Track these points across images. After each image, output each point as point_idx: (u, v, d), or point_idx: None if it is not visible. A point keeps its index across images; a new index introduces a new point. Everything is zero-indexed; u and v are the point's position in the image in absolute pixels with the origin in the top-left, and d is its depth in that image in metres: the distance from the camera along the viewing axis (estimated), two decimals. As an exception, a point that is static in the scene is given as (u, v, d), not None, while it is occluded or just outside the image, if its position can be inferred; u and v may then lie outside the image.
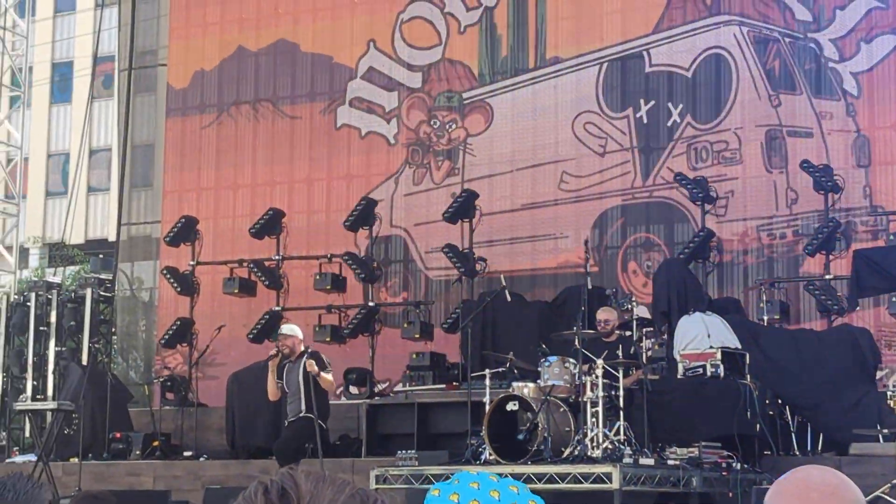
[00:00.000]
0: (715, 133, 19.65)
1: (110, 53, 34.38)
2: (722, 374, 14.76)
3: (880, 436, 14.50)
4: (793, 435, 15.56)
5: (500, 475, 2.78)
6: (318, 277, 20.51)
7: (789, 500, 2.49)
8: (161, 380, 20.19)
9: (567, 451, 13.53)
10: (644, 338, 15.91)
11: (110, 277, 22.70)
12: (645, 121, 20.14)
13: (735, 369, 14.92)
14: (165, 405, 19.89)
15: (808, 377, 15.87)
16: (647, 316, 16.82)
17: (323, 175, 22.10)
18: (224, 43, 23.17)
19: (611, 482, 12.80)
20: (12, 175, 25.29)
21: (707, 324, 15.68)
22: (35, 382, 21.53)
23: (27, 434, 21.53)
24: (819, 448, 15.63)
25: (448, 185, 20.99)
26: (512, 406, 13.88)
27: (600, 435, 13.58)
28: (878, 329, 17.72)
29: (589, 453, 13.44)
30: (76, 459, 17.81)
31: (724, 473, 13.94)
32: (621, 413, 13.73)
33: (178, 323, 20.86)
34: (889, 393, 14.15)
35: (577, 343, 14.17)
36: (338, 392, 19.96)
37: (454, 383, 18.25)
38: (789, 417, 15.65)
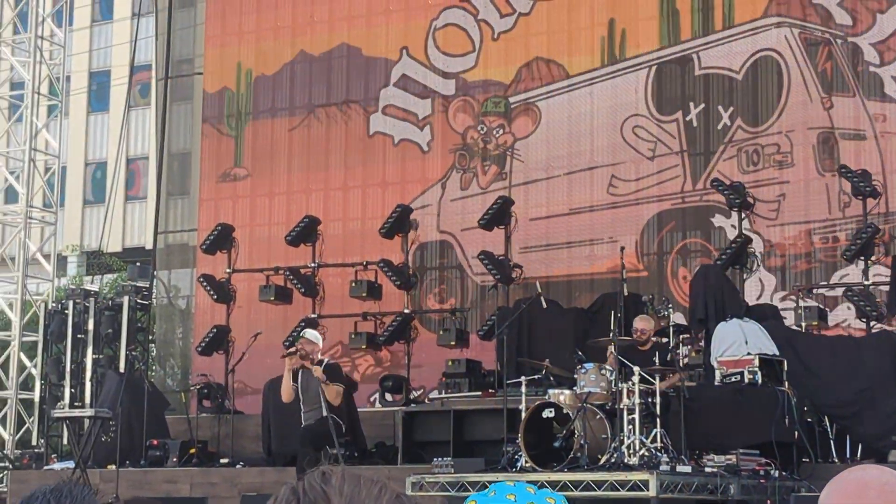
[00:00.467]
0: (766, 136, 19.50)
1: (147, 62, 34.51)
2: (759, 381, 14.68)
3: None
4: (831, 442, 15.44)
5: (537, 486, 2.75)
6: (353, 285, 20.51)
7: (847, 498, 2.46)
8: (198, 387, 20.22)
9: (603, 459, 13.48)
10: (681, 344, 15.84)
11: (147, 285, 22.76)
12: (695, 124, 20.02)
13: (773, 376, 14.83)
14: (202, 412, 19.92)
15: (846, 385, 15.74)
16: (683, 322, 16.75)
17: (358, 182, 22.11)
18: (260, 51, 23.21)
19: (648, 490, 12.75)
20: (50, 184, 25.41)
21: (744, 330, 15.60)
22: (73, 390, 21.61)
23: (65, 441, 21.61)
24: (858, 455, 15.50)
25: (494, 190, 20.92)
26: (548, 413, 13.84)
27: (637, 442, 13.53)
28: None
29: (626, 460, 13.39)
30: (113, 466, 17.86)
31: (762, 481, 13.86)
32: (658, 420, 13.68)
33: (215, 330, 20.90)
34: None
35: (613, 350, 14.12)
36: (371, 399, 20.00)
37: (490, 390, 18.22)
38: (828, 424, 15.53)
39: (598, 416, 13.77)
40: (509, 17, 21.48)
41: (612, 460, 13.43)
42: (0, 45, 25.51)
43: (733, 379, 14.86)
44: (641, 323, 15.05)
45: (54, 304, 22.84)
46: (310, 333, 15.31)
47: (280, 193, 22.60)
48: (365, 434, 17.99)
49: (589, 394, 13.79)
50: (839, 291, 18.28)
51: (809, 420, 15.06)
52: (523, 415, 13.99)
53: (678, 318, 16.96)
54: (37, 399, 22.94)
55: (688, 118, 20.06)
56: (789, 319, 17.82)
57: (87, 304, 21.82)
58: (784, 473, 14.12)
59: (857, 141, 18.99)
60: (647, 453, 13.46)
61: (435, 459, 14.82)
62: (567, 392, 14.04)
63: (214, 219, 22.23)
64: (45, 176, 25.30)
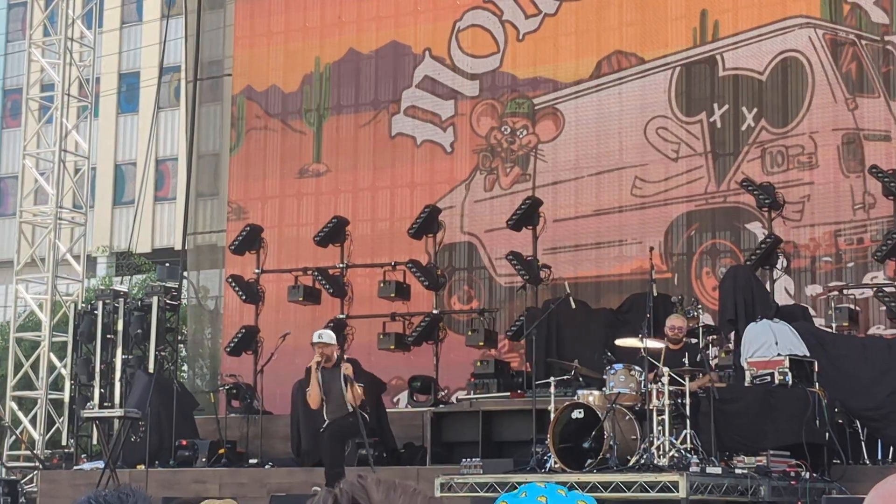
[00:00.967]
0: (790, 137, 19.41)
1: (176, 64, 34.60)
2: (790, 382, 14.61)
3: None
4: (862, 444, 15.34)
5: (568, 489, 2.72)
6: (382, 285, 20.51)
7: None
8: (227, 387, 20.25)
9: (633, 460, 13.44)
10: (710, 345, 15.79)
11: (176, 286, 22.82)
12: (718, 125, 19.95)
13: (803, 377, 14.75)
14: (231, 413, 19.95)
15: (878, 387, 15.65)
16: (712, 323, 16.69)
17: (386, 183, 22.11)
18: (289, 52, 23.24)
19: (677, 491, 12.71)
20: (80, 185, 25.49)
21: (775, 331, 15.53)
22: (102, 390, 21.66)
23: (94, 441, 21.68)
24: (889, 457, 15.41)
25: (517, 191, 20.88)
26: (577, 414, 13.81)
27: (667, 443, 13.48)
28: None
29: (655, 462, 13.34)
30: (143, 467, 17.91)
31: (792, 482, 13.80)
32: (688, 421, 13.63)
33: (244, 331, 20.93)
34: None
35: (642, 351, 14.08)
36: (395, 400, 20.00)
37: (519, 391, 18.19)
38: (858, 426, 15.44)
39: (627, 417, 13.73)
40: (535, 17, 21.43)
41: (642, 461, 13.39)
42: (30, 47, 25.60)
43: (764, 380, 14.79)
44: (676, 321, 15.00)
45: (84, 305, 22.90)
46: (326, 335, 15.25)
47: (308, 194, 22.61)
48: (394, 434, 18.02)
49: (618, 394, 13.76)
50: (869, 292, 18.20)
51: (840, 421, 14.97)
52: (552, 415, 13.95)
53: (707, 318, 16.89)
54: (66, 399, 23.01)
55: (712, 119, 20.00)
56: (819, 320, 17.75)
57: (116, 305, 21.87)
58: (815, 475, 14.05)
59: (882, 142, 18.90)
60: (676, 454, 13.42)
61: (463, 460, 14.81)
62: (596, 393, 14.01)
63: (243, 219, 22.27)
64: (74, 177, 25.38)
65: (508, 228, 19.53)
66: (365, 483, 2.05)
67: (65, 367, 23.46)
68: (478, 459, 14.85)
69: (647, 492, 12.85)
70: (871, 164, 18.15)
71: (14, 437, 24.00)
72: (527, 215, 19.43)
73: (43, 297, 24.44)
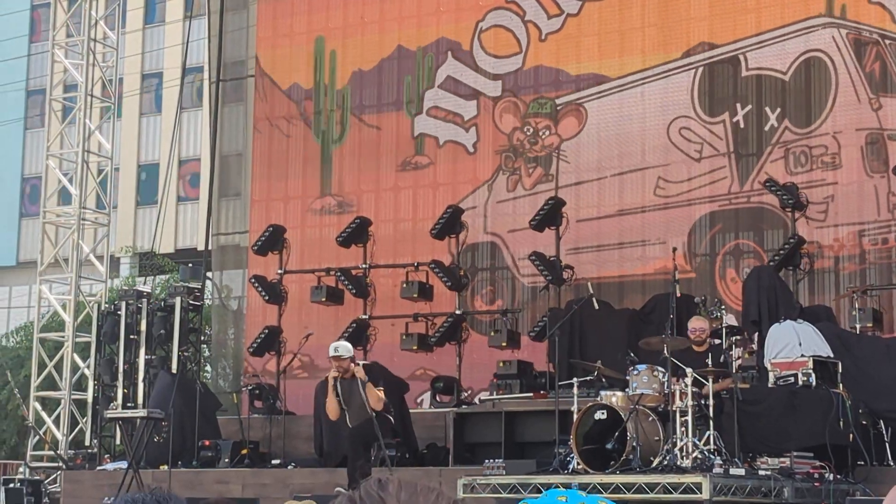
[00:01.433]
0: (813, 137, 19.34)
1: (199, 64, 34.67)
2: (814, 383, 14.56)
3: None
4: (887, 445, 15.28)
5: (585, 486, 2.72)
6: (404, 286, 20.51)
7: None
8: (249, 388, 20.28)
9: (656, 461, 13.41)
10: (733, 346, 15.73)
11: (199, 286, 22.85)
12: (742, 125, 19.89)
13: (827, 378, 14.70)
14: (254, 413, 19.97)
15: (902, 388, 15.59)
16: (736, 324, 16.63)
17: (409, 183, 22.10)
18: (311, 53, 23.24)
19: (700, 492, 12.67)
20: (103, 185, 25.55)
21: (798, 332, 15.48)
22: (125, 390, 21.70)
23: (118, 441, 21.72)
24: (914, 458, 15.35)
25: (540, 191, 20.84)
26: (600, 415, 13.78)
27: (690, 444, 13.45)
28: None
29: (678, 463, 13.31)
30: (166, 467, 17.94)
31: (816, 484, 13.74)
32: (711, 422, 13.59)
33: (266, 331, 20.95)
34: None
35: (665, 351, 14.04)
36: (418, 400, 20.00)
37: (541, 392, 18.17)
38: (883, 427, 15.37)
39: (650, 418, 13.70)
40: (557, 17, 21.40)
41: (665, 462, 13.36)
42: (54, 48, 25.67)
43: (787, 381, 14.74)
44: (698, 322, 14.95)
45: (107, 305, 22.95)
46: (342, 349, 15.24)
47: (331, 194, 22.63)
48: (416, 435, 18.01)
49: (641, 395, 13.72)
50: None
51: (864, 422, 14.91)
52: (575, 416, 13.93)
53: (730, 319, 16.83)
54: (90, 399, 23.07)
55: (735, 119, 19.94)
56: (843, 321, 17.69)
57: (139, 305, 21.91)
58: (839, 476, 14.00)
59: None
60: (699, 456, 13.38)
61: (486, 461, 14.79)
62: (619, 394, 13.98)
63: (266, 220, 22.29)
64: (97, 178, 25.44)
65: (531, 229, 19.50)
66: (385, 484, 2.02)
67: (88, 367, 23.52)
68: (500, 460, 14.83)
69: (671, 493, 12.82)
70: (895, 165, 18.06)
71: (38, 437, 24.07)
72: (549, 215, 19.41)
73: (66, 298, 24.51)
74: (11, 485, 19.98)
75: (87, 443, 23.00)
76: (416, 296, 20.39)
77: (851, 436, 14.29)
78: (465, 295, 20.81)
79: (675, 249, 17.13)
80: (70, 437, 23.68)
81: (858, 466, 14.58)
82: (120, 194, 42.22)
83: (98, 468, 20.21)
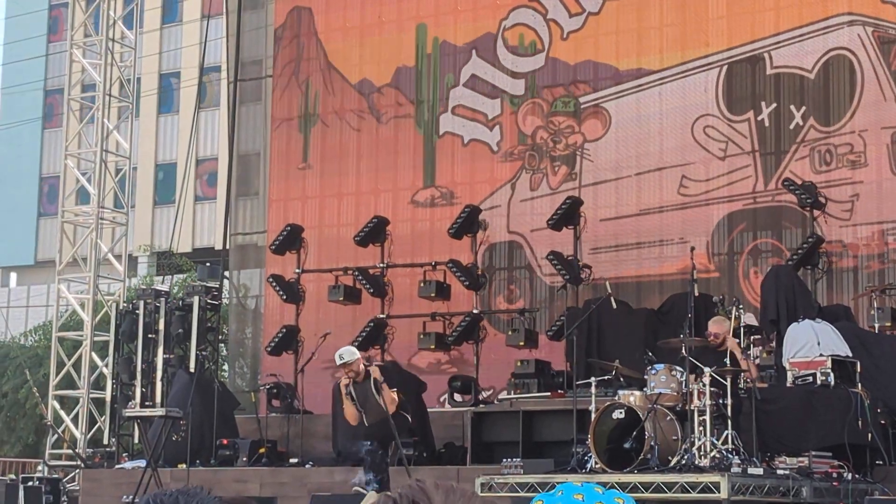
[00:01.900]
0: (838, 135, 19.27)
1: (216, 64, 34.73)
2: (832, 383, 14.52)
3: None
4: (905, 445, 15.25)
5: (605, 487, 2.71)
6: (422, 285, 20.52)
7: None
8: (267, 387, 20.30)
9: (674, 460, 13.39)
10: (752, 345, 15.71)
11: (217, 285, 22.87)
12: (766, 124, 19.83)
13: (846, 377, 14.67)
14: (272, 412, 19.99)
15: (921, 387, 15.54)
16: (754, 323, 16.60)
17: (426, 182, 22.09)
18: (331, 52, 23.25)
19: (719, 492, 12.65)
20: (121, 185, 25.60)
21: (817, 331, 15.43)
22: (143, 389, 21.75)
23: (136, 440, 21.76)
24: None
25: (564, 190, 20.80)
26: (618, 414, 13.77)
27: (708, 444, 13.43)
28: None
29: (696, 462, 13.29)
30: (184, 466, 17.97)
31: (834, 483, 13.71)
32: (729, 422, 13.56)
33: (284, 330, 20.98)
34: None
35: (684, 351, 14.02)
36: (441, 399, 19.98)
37: (559, 391, 18.16)
38: (902, 427, 15.33)
39: (668, 418, 13.68)
40: (578, 16, 21.38)
41: (683, 462, 13.34)
42: (72, 48, 25.73)
43: (806, 380, 14.71)
44: (715, 326, 14.85)
45: (125, 304, 23.00)
46: (347, 354, 15.20)
47: (349, 194, 22.62)
48: (434, 434, 18.01)
49: (659, 395, 13.70)
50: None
51: (883, 422, 14.88)
52: (593, 415, 13.92)
53: (749, 318, 16.79)
54: (108, 398, 23.12)
55: (759, 118, 19.87)
56: (862, 321, 17.62)
57: (157, 304, 21.95)
58: (857, 476, 13.97)
59: None
60: (718, 455, 13.36)
61: (504, 460, 14.78)
62: (637, 393, 13.97)
63: (283, 219, 22.30)
64: (115, 177, 25.49)
65: (549, 228, 19.49)
66: (424, 487, 2.03)
67: (106, 366, 23.57)
68: (518, 459, 14.81)
69: (689, 492, 12.80)
70: None
71: (56, 435, 24.13)
72: (567, 215, 19.38)
73: (85, 297, 24.56)
74: (30, 483, 20.03)
75: (105, 441, 23.06)
76: (433, 295, 20.39)
77: (870, 435, 14.25)
78: (485, 294, 20.79)
79: (693, 248, 17.09)
80: (88, 436, 23.73)
81: (877, 466, 14.55)
82: (138, 194, 42.29)
83: (116, 467, 20.26)
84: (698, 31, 20.48)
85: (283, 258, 21.50)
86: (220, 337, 23.79)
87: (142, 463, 18.60)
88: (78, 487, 20.50)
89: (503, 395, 19.17)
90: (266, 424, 19.27)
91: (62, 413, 24.22)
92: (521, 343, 19.68)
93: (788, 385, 14.90)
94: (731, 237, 19.84)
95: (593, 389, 14.56)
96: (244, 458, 18.65)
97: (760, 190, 19.69)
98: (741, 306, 16.46)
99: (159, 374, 21.69)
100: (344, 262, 21.37)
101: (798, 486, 13.43)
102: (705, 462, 13.30)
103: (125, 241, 25.42)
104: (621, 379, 14.89)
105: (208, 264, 24.29)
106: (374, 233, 20.87)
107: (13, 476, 23.28)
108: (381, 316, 20.71)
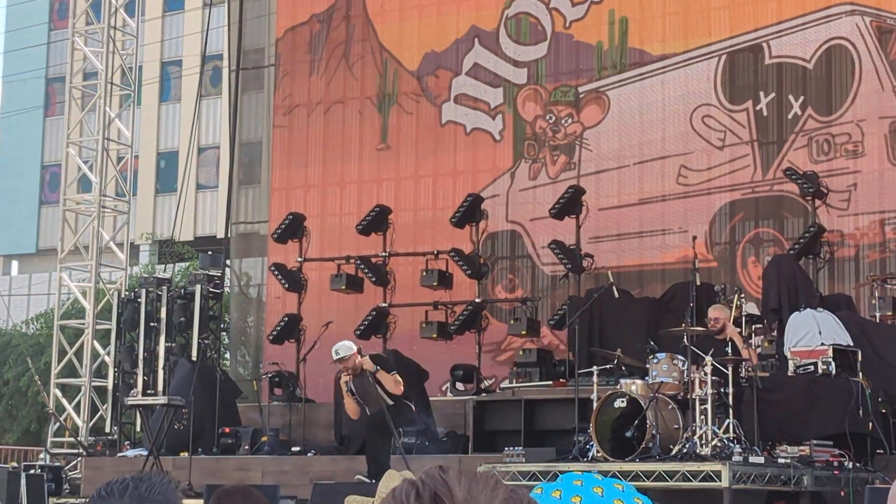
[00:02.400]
0: (836, 125, 19.29)
1: (218, 52, 34.71)
2: (833, 372, 14.54)
3: None
4: (906, 434, 15.26)
5: (604, 474, 2.73)
6: (424, 274, 20.52)
7: None
8: (269, 375, 20.32)
9: (676, 449, 13.42)
10: (753, 334, 15.73)
11: (219, 274, 22.88)
12: (765, 113, 19.85)
13: (847, 366, 14.68)
14: (274, 401, 20.02)
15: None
16: (756, 312, 16.62)
17: (429, 171, 22.10)
18: (331, 41, 23.23)
19: (720, 480, 12.68)
20: (123, 173, 25.60)
21: (818, 320, 15.44)
22: (145, 378, 21.77)
23: (138, 428, 21.79)
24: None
25: (564, 179, 20.81)
26: (620, 403, 13.79)
27: (709, 432, 13.45)
28: None
29: (698, 451, 13.32)
30: (186, 454, 17.99)
31: (835, 472, 13.74)
32: (730, 410, 13.59)
33: (286, 319, 20.99)
34: None
35: (685, 340, 14.04)
36: (443, 388, 20.00)
37: (561, 380, 18.18)
38: (903, 416, 15.35)
39: (670, 406, 13.71)
40: (581, 5, 21.37)
41: (685, 451, 13.37)
42: (74, 36, 25.72)
43: (807, 369, 14.72)
44: (715, 312, 14.97)
45: (127, 293, 23.02)
46: (342, 349, 15.22)
47: (351, 182, 22.64)
48: (436, 423, 18.02)
49: (661, 384, 13.73)
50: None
51: (884, 411, 14.90)
52: (595, 404, 13.94)
53: (750, 307, 16.81)
54: (110, 387, 23.14)
55: (758, 107, 19.88)
56: (863, 310, 17.64)
57: (159, 293, 21.96)
58: (858, 465, 13.99)
59: None
60: (719, 444, 13.38)
61: (506, 449, 14.81)
62: (639, 382, 14.00)
63: (285, 208, 22.31)
64: (117, 165, 25.49)
65: (551, 217, 19.50)
66: (446, 476, 2.01)
67: (108, 354, 23.59)
68: (520, 448, 14.84)
69: (690, 481, 12.83)
70: None
71: (58, 424, 24.16)
72: (569, 204, 19.38)
73: (86, 285, 24.58)
74: (32, 471, 20.05)
75: (107, 430, 23.09)
76: (435, 284, 20.40)
77: (871, 424, 14.27)
78: (486, 283, 20.80)
79: (695, 238, 17.11)
80: (90, 424, 23.76)
81: (878, 455, 14.57)
82: (140, 182, 42.29)
83: (118, 455, 20.30)
84: (701, 19, 20.47)
85: (286, 247, 21.50)
86: (221, 325, 23.78)
87: (143, 451, 18.63)
88: (80, 475, 20.54)
89: (505, 383, 19.19)
90: (268, 413, 19.31)
91: (64, 401, 24.24)
92: (524, 332, 19.69)
93: (790, 374, 14.92)
94: (730, 227, 19.86)
95: (595, 378, 14.58)
96: (246, 447, 18.67)
97: (759, 179, 19.71)
98: (743, 295, 16.47)
99: (161, 362, 21.71)
100: (346, 250, 21.38)
101: (799, 475, 13.46)
102: (707, 451, 13.32)
103: (127, 229, 25.42)
104: (623, 368, 14.92)
105: (210, 253, 24.30)
106: (377, 221, 20.87)
107: (15, 464, 23.29)
108: (384, 305, 20.72)
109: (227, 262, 23.58)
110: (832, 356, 14.60)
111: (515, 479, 13.78)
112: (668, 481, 12.90)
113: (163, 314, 21.82)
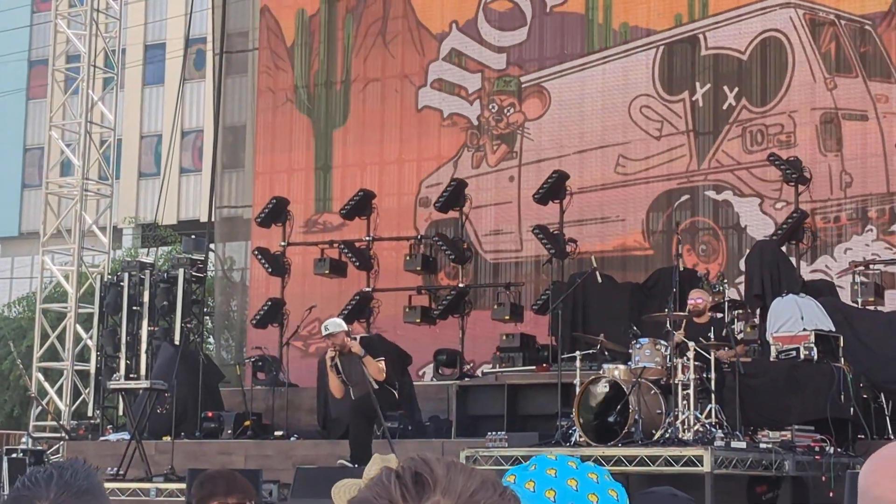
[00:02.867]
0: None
1: (202, 35, 34.63)
2: (815, 357, 14.60)
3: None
4: (887, 419, 15.34)
5: (580, 461, 2.72)
6: (408, 259, 20.52)
7: (887, 476, 2.40)
8: (252, 360, 20.31)
9: (658, 434, 13.46)
10: (735, 320, 15.78)
11: (202, 258, 22.84)
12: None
13: (829, 352, 14.74)
14: (257, 385, 20.01)
15: (903, 362, 15.63)
16: (738, 298, 16.67)
17: (413, 156, 22.11)
18: (316, 22, 23.20)
19: (702, 465, 12.73)
20: (106, 156, 25.53)
21: (800, 306, 15.50)
22: (128, 361, 21.73)
23: (120, 412, 21.77)
24: (914, 432, 15.38)
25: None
26: (603, 388, 13.82)
27: (691, 417, 13.50)
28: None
29: (680, 436, 13.37)
30: (168, 438, 17.98)
31: (816, 457, 13.80)
32: (713, 396, 13.63)
33: (270, 303, 20.97)
34: None
35: (668, 325, 14.07)
36: (421, 374, 20.04)
37: (544, 365, 18.20)
38: (884, 401, 15.42)
39: (652, 392, 13.75)
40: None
41: (667, 436, 13.42)
42: (56, 18, 25.63)
43: (789, 355, 14.78)
44: (698, 293, 15.05)
45: (110, 276, 22.97)
46: (332, 325, 15.24)
47: (335, 167, 22.62)
48: (420, 407, 18.05)
49: (644, 369, 13.76)
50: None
51: (865, 396, 14.96)
52: (577, 389, 13.97)
53: (733, 293, 16.88)
54: (92, 370, 23.09)
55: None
56: (845, 295, 17.72)
57: (142, 277, 21.92)
58: (839, 450, 14.05)
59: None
60: (701, 429, 13.43)
61: (489, 433, 14.83)
62: (622, 367, 14.03)
63: (269, 192, 22.29)
64: (100, 148, 25.42)
65: (534, 202, 19.53)
66: (427, 458, 2.11)
67: (91, 338, 23.54)
68: (503, 433, 14.87)
69: (672, 466, 12.87)
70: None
71: (40, 407, 24.12)
72: (553, 189, 19.38)
73: (69, 269, 24.52)
74: (14, 455, 20.02)
75: (89, 414, 23.05)
76: (419, 269, 20.40)
77: (852, 409, 14.34)
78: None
79: (677, 224, 17.19)
80: (73, 408, 23.71)
81: (859, 440, 14.64)
82: (123, 165, 42.19)
83: (101, 439, 20.27)
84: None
85: (269, 231, 21.48)
86: (205, 309, 23.75)
87: (126, 435, 18.61)
88: (62, 459, 20.51)
89: (488, 368, 19.20)
90: (251, 397, 19.29)
91: (46, 385, 24.19)
92: (507, 317, 19.70)
93: (772, 359, 14.98)
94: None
95: (578, 363, 14.62)
96: (229, 431, 18.67)
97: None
98: (725, 281, 16.52)
99: (144, 346, 21.68)
100: (329, 235, 21.36)
101: (780, 460, 13.52)
102: (689, 436, 13.37)
103: (110, 212, 25.35)
104: (606, 353, 14.95)
105: (193, 237, 24.26)
106: (360, 206, 20.84)
107: (-3, 448, 23.25)
108: (367, 289, 20.72)
109: (211, 245, 23.54)
110: (814, 342, 14.66)
111: (498, 463, 13.81)
112: (650, 466, 12.95)
113: (146, 298, 21.79)
